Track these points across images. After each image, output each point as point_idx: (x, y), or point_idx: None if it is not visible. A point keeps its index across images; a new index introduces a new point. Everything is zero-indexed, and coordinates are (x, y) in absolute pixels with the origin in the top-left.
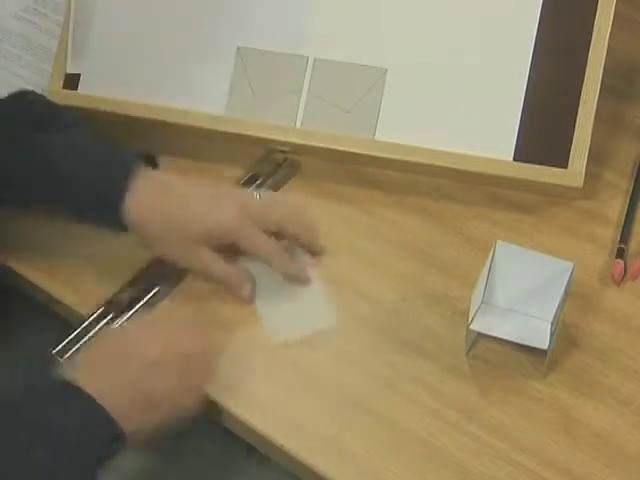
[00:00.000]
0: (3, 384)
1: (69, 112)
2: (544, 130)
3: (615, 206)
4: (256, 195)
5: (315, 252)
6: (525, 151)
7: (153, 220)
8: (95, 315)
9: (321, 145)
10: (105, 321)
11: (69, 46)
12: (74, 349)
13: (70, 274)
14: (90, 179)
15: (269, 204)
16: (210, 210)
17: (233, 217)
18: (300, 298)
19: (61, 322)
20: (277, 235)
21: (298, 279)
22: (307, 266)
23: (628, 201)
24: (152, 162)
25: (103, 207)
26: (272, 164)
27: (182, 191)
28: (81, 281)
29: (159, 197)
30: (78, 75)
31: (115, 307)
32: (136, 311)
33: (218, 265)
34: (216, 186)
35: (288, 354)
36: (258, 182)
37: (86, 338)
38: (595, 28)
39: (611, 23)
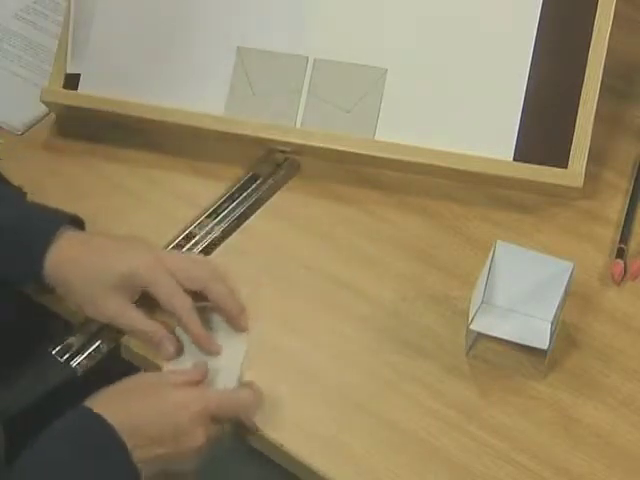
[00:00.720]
0: (3, 384)
1: None
2: (544, 130)
3: (615, 206)
4: (178, 253)
5: (235, 324)
6: (525, 151)
7: (72, 274)
8: None
9: (321, 145)
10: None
11: (69, 46)
12: (74, 349)
13: None
14: (19, 234)
15: (188, 260)
16: (125, 256)
17: (148, 263)
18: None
19: (61, 322)
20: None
21: (202, 346)
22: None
23: (628, 201)
24: (79, 224)
25: (26, 261)
26: (272, 164)
27: (100, 244)
28: None
29: (79, 252)
30: (78, 75)
31: None
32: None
33: (129, 318)
34: (139, 241)
35: (288, 354)
36: (258, 182)
37: (86, 338)
38: (595, 28)
39: (611, 23)
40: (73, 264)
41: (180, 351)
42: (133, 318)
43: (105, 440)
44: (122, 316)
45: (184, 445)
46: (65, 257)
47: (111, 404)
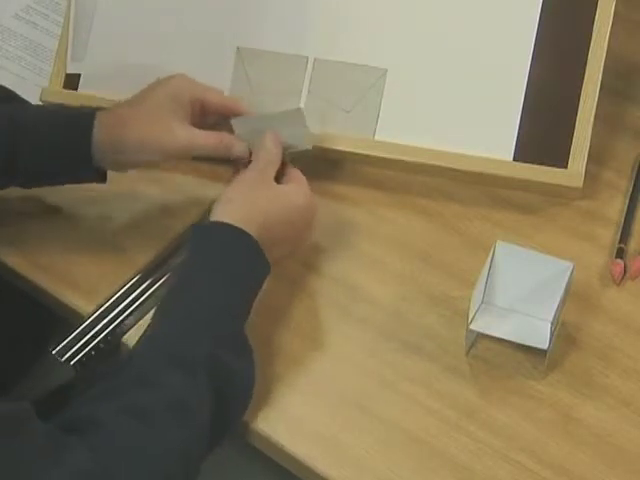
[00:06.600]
0: (3, 384)
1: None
2: (544, 130)
3: (615, 206)
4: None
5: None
6: (525, 151)
7: (124, 126)
8: (95, 315)
9: (321, 145)
10: (105, 321)
11: (69, 46)
12: (74, 349)
13: (70, 274)
14: (60, 128)
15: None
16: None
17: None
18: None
19: (61, 322)
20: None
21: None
22: None
23: (628, 201)
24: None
25: (76, 143)
26: None
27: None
28: (81, 281)
29: (124, 111)
30: (78, 75)
31: (115, 307)
32: (135, 310)
33: (201, 136)
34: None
35: (289, 354)
36: None
37: (86, 338)
38: (595, 28)
39: (611, 23)
40: (123, 123)
41: (246, 147)
42: (203, 135)
43: (248, 250)
44: (194, 138)
45: (301, 241)
46: (112, 121)
47: (246, 219)
